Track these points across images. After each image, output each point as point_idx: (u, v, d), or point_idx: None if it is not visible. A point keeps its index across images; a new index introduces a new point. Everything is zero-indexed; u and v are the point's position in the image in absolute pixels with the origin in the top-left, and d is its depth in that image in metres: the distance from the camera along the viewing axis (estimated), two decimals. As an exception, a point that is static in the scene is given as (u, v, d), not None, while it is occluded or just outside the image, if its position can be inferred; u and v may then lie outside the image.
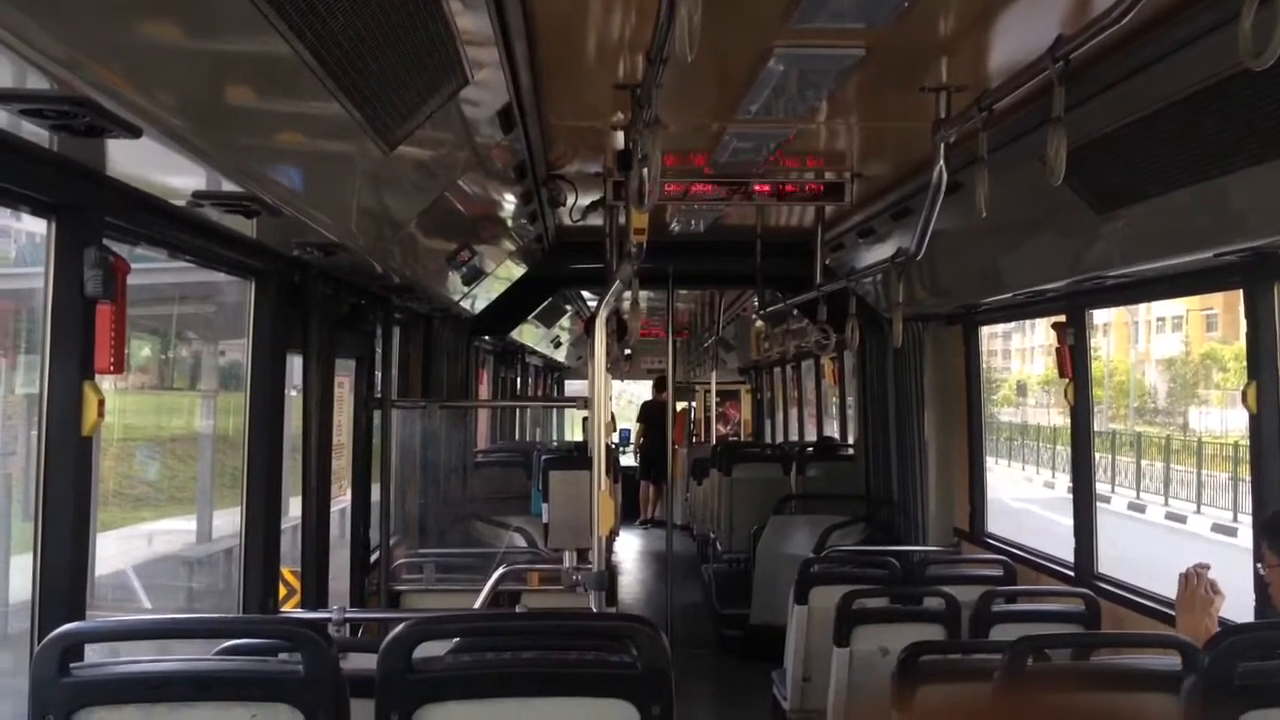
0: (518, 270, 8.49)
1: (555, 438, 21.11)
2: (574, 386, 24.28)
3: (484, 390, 12.57)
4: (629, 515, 18.60)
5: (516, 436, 16.00)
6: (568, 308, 14.66)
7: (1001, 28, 3.99)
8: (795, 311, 10.10)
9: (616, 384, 19.86)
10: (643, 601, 12.60)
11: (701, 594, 12.27)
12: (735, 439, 21.86)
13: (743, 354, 19.75)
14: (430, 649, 3.20)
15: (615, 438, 16.42)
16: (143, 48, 2.32)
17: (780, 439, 17.61)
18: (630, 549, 16.85)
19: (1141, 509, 25.40)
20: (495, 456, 10.91)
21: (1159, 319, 39.55)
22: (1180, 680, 3.37)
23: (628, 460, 19.12)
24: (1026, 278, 6.02)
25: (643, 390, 22.73)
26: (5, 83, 2.17)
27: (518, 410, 16.25)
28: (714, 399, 19.39)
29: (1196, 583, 3.96)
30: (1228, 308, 34.02)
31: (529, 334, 13.83)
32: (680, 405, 20.74)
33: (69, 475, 2.99)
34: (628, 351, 17.08)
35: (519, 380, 16.44)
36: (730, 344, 19.48)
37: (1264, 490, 4.57)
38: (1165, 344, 39.50)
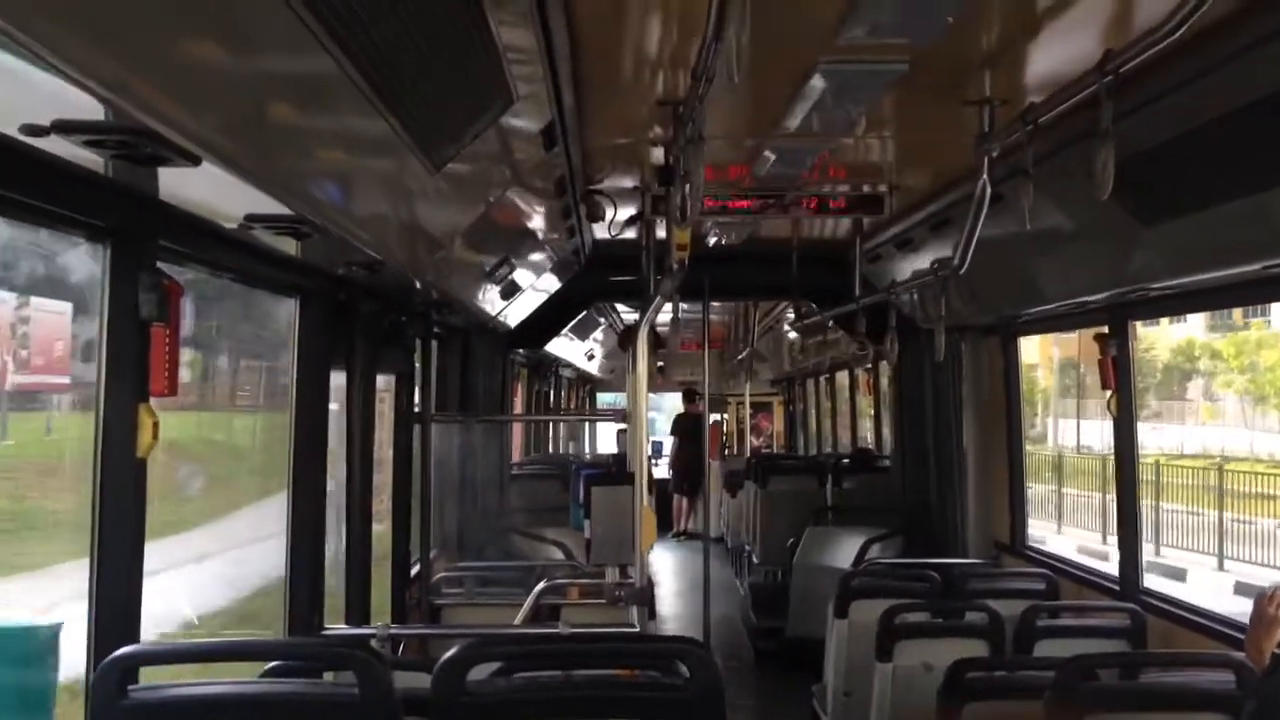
0: (555, 284, 8.50)
1: (589, 450, 21.09)
2: (605, 399, 24.28)
3: (518, 403, 12.56)
4: (662, 528, 18.56)
5: (549, 449, 16.01)
6: (601, 320, 14.67)
7: (1046, 41, 3.96)
8: (830, 323, 10.06)
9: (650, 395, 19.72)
10: (680, 614, 12.58)
11: (735, 606, 12.25)
12: (768, 451, 21.74)
13: (776, 365, 19.69)
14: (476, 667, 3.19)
15: (647, 450, 16.34)
16: (203, 77, 2.33)
17: (814, 450, 17.54)
18: (664, 561, 16.85)
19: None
20: (531, 469, 10.94)
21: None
22: (1236, 701, 3.34)
23: (659, 472, 19.08)
24: (1068, 289, 5.97)
25: (671, 402, 22.57)
26: (69, 114, 2.19)
27: (553, 423, 16.28)
28: (748, 411, 19.29)
29: (1270, 601, 3.88)
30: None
31: (564, 347, 13.85)
32: (713, 417, 20.60)
33: (126, 498, 3.01)
34: (660, 364, 17.09)
35: (552, 393, 16.41)
36: (764, 355, 19.41)
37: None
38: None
